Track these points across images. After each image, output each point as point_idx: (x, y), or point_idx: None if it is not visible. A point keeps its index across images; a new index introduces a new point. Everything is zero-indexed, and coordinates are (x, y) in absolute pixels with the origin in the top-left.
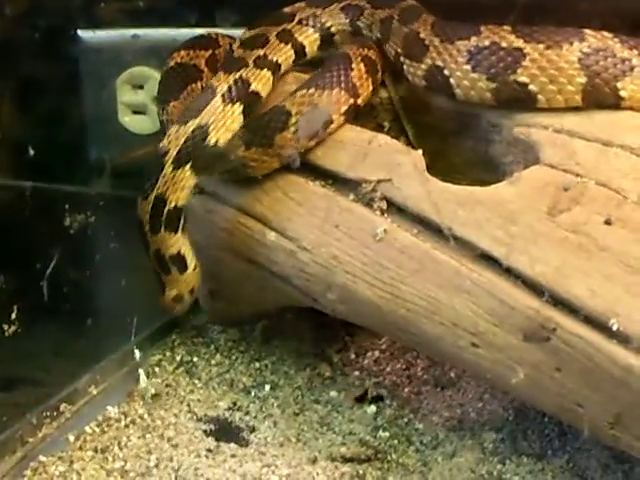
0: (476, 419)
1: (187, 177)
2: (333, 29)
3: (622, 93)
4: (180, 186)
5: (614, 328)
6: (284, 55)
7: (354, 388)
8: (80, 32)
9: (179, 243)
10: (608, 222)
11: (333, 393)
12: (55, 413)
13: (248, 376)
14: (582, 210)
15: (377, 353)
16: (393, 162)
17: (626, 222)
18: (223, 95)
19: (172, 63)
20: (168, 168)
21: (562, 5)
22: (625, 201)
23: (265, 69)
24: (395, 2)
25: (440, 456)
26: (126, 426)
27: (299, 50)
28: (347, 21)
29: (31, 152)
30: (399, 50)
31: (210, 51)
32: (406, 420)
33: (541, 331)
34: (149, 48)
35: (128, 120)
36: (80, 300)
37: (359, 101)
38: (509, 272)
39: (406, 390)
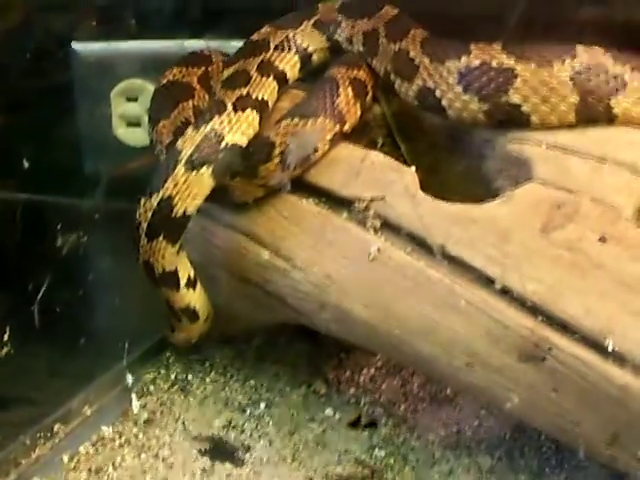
0: (472, 437)
1: (163, 247)
2: (311, 49)
3: (615, 110)
4: (160, 255)
5: (609, 347)
6: (269, 89)
7: (349, 406)
8: (74, 44)
9: (188, 298)
10: (602, 239)
11: (329, 411)
12: (49, 433)
13: (243, 394)
14: (576, 227)
15: (372, 370)
16: (386, 180)
17: (621, 239)
18: (187, 161)
19: (164, 81)
20: (143, 240)
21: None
22: (620, 218)
23: (248, 109)
24: (373, 10)
25: (437, 475)
26: (120, 446)
27: (281, 79)
28: (324, 38)
29: (25, 164)
30: (389, 68)
31: (203, 68)
32: (402, 438)
33: (536, 351)
34: (143, 60)
35: (123, 132)
36: (74, 318)
37: (346, 127)
38: (503, 291)
39: (402, 408)
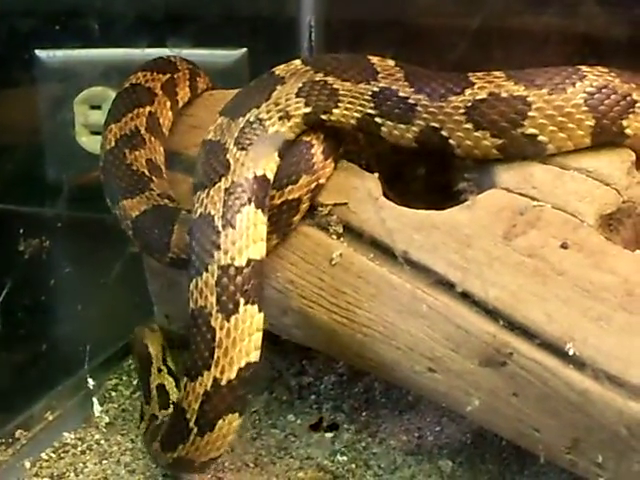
0: (434, 443)
1: (225, 431)
2: (260, 172)
3: (627, 131)
4: (215, 445)
5: (570, 353)
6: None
7: (312, 412)
8: (38, 52)
9: None
10: (564, 246)
11: (291, 417)
12: (10, 439)
13: None
14: (538, 234)
15: (334, 377)
16: (349, 186)
17: (582, 246)
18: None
19: (127, 84)
20: (193, 437)
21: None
22: (581, 225)
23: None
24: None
25: None
26: (82, 452)
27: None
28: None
29: None
30: (370, 112)
31: (168, 75)
32: (364, 444)
33: (497, 356)
34: (107, 68)
35: (86, 140)
36: (36, 325)
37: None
38: (465, 296)
39: (364, 414)
